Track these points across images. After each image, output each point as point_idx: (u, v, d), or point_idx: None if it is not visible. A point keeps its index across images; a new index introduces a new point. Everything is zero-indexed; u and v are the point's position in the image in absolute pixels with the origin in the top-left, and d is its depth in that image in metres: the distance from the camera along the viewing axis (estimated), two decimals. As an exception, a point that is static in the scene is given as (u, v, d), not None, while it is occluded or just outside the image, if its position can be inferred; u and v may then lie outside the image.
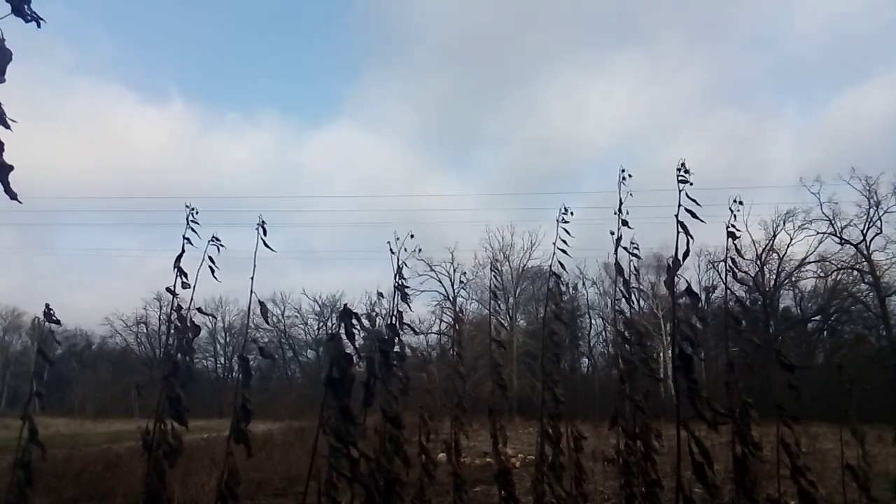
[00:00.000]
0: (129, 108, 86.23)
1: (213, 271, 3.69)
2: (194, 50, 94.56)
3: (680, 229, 3.54)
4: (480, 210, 78.34)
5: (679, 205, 3.60)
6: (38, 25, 2.30)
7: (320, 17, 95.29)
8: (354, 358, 2.97)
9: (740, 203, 3.84)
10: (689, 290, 3.67)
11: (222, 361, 58.42)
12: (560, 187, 72.25)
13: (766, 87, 77.93)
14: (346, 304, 2.97)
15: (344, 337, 2.90)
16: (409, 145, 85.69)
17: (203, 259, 3.69)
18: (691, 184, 3.63)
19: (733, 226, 3.80)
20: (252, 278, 3.62)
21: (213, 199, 61.63)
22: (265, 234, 3.72)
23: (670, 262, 3.59)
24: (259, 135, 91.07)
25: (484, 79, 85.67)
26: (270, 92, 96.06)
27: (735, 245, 3.82)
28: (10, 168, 2.22)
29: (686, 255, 3.54)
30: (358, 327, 3.06)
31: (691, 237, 3.55)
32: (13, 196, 2.23)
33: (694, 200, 3.60)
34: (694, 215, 3.58)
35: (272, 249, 3.70)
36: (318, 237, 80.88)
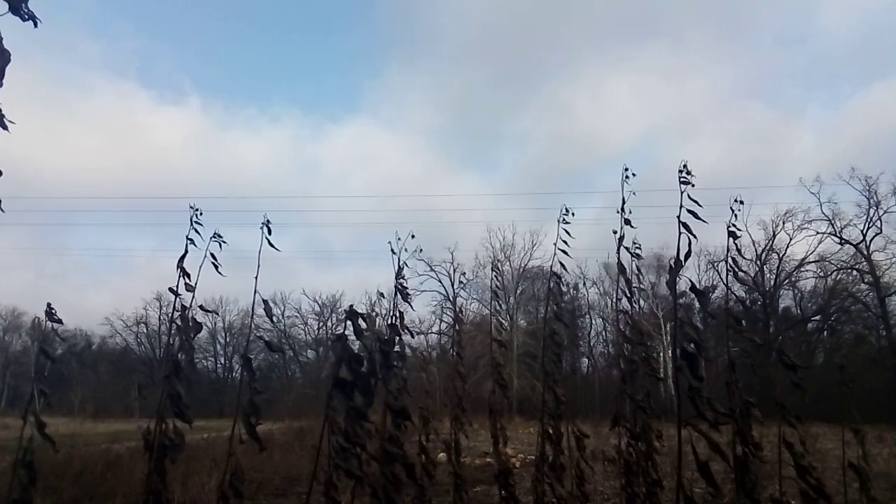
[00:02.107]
0: (144, 106, 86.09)
1: (216, 267, 3.69)
2: (211, 47, 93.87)
3: (682, 230, 3.54)
4: (497, 210, 77.88)
5: (681, 206, 3.60)
6: (35, 25, 2.30)
7: (343, 12, 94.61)
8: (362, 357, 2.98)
9: (741, 203, 3.85)
10: (694, 288, 3.67)
11: (222, 361, 58.55)
12: (580, 186, 71.80)
13: (791, 83, 77.03)
14: (351, 305, 2.98)
15: (351, 336, 2.91)
16: (429, 143, 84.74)
17: (205, 257, 3.70)
18: (693, 185, 3.63)
19: (734, 225, 3.80)
20: (256, 278, 3.64)
21: (228, 198, 61.56)
22: (270, 233, 3.73)
23: (672, 263, 3.58)
24: (278, 132, 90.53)
25: (506, 77, 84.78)
26: (290, 90, 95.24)
27: (736, 245, 3.82)
28: None
29: (688, 255, 3.54)
30: (363, 327, 3.06)
31: (694, 237, 3.54)
32: None
33: (695, 201, 3.60)
34: (696, 216, 3.58)
35: (277, 249, 3.71)
36: (332, 236, 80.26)
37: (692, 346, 3.30)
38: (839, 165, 61.88)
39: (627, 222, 4.42)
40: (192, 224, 3.75)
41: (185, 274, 3.71)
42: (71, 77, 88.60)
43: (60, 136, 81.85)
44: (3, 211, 2.24)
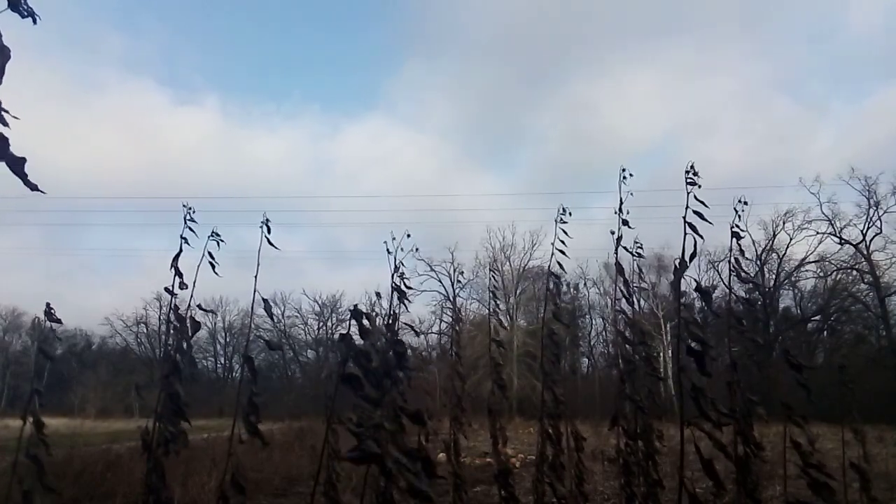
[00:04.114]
0: (161, 104, 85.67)
1: (213, 267, 3.71)
2: (227, 44, 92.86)
3: (688, 230, 3.53)
4: (512, 210, 77.30)
5: (687, 206, 3.59)
6: (35, 21, 2.28)
7: (363, 8, 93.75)
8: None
9: (745, 203, 3.85)
10: (699, 287, 3.66)
11: (222, 361, 58.64)
12: (598, 186, 71.04)
13: (816, 80, 76.09)
14: (356, 305, 2.98)
15: (356, 336, 2.91)
16: (446, 141, 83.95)
17: (202, 257, 3.71)
18: (699, 185, 3.62)
19: (737, 226, 3.79)
20: (255, 277, 3.64)
21: (246, 198, 61.25)
22: (269, 231, 3.73)
23: (676, 263, 3.57)
24: (295, 131, 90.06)
25: (526, 75, 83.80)
26: (308, 86, 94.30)
27: (739, 246, 3.82)
28: (24, 160, 2.14)
29: (693, 256, 3.53)
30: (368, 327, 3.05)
31: (701, 237, 3.53)
32: (34, 187, 2.14)
33: (702, 202, 3.59)
34: (701, 216, 3.57)
35: (276, 248, 3.72)
36: (345, 235, 79.39)
37: (698, 343, 3.29)
38: (860, 163, 60.76)
39: (625, 223, 4.42)
40: (185, 223, 3.77)
41: (178, 273, 3.72)
42: (87, 74, 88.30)
43: (75, 134, 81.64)
44: (44, 192, 2.18)
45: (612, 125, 74.76)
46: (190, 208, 3.78)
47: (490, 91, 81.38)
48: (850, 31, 74.54)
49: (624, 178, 4.34)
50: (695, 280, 3.73)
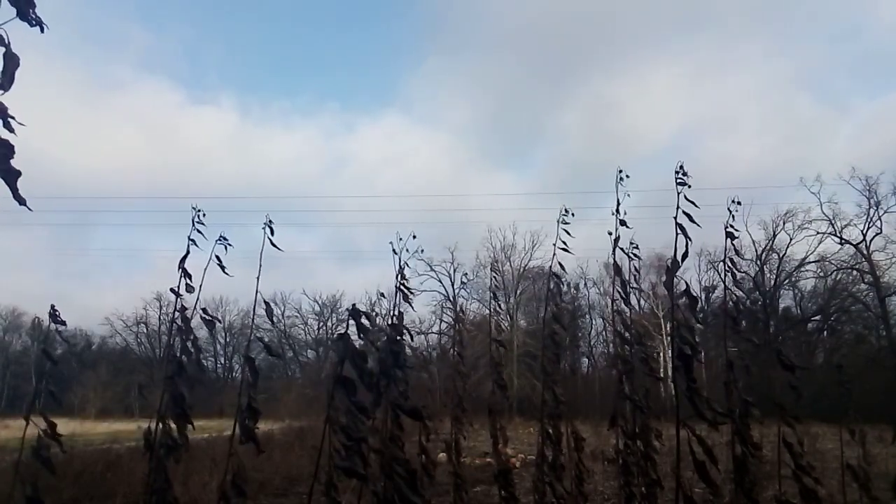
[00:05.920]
0: (178, 104, 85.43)
1: (222, 269, 3.73)
2: (244, 41, 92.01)
3: (678, 231, 3.56)
4: (530, 209, 76.55)
5: (678, 207, 3.61)
6: (42, 30, 2.31)
7: (382, 4, 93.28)
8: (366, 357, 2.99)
9: (738, 203, 3.87)
10: (687, 291, 3.68)
11: (222, 361, 58.61)
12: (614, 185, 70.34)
13: (838, 78, 75.04)
14: (354, 304, 3.00)
15: (354, 335, 2.93)
16: (464, 140, 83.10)
17: (209, 258, 3.73)
18: (689, 186, 3.64)
19: (731, 226, 3.82)
20: (258, 278, 3.66)
21: (258, 198, 61.08)
22: (272, 233, 3.76)
23: (669, 264, 3.60)
24: (310, 130, 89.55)
25: (546, 72, 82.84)
26: (325, 84, 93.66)
27: (734, 246, 3.84)
28: (18, 174, 2.20)
29: (685, 257, 3.55)
30: (367, 326, 3.07)
31: (690, 239, 3.55)
32: (22, 202, 2.21)
33: (692, 202, 3.62)
34: (691, 219, 3.59)
35: (280, 249, 3.75)
36: (358, 235, 78.67)
37: (688, 347, 3.32)
38: (879, 161, 59.96)
39: (623, 223, 4.44)
40: (193, 225, 3.78)
41: (186, 274, 3.74)
42: (106, 73, 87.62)
43: (93, 133, 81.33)
44: (30, 209, 2.23)
45: (632, 123, 73.73)
46: (199, 210, 3.80)
47: (508, 89, 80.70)
48: (873, 28, 73.39)
49: (621, 179, 4.36)
50: (686, 283, 3.74)
